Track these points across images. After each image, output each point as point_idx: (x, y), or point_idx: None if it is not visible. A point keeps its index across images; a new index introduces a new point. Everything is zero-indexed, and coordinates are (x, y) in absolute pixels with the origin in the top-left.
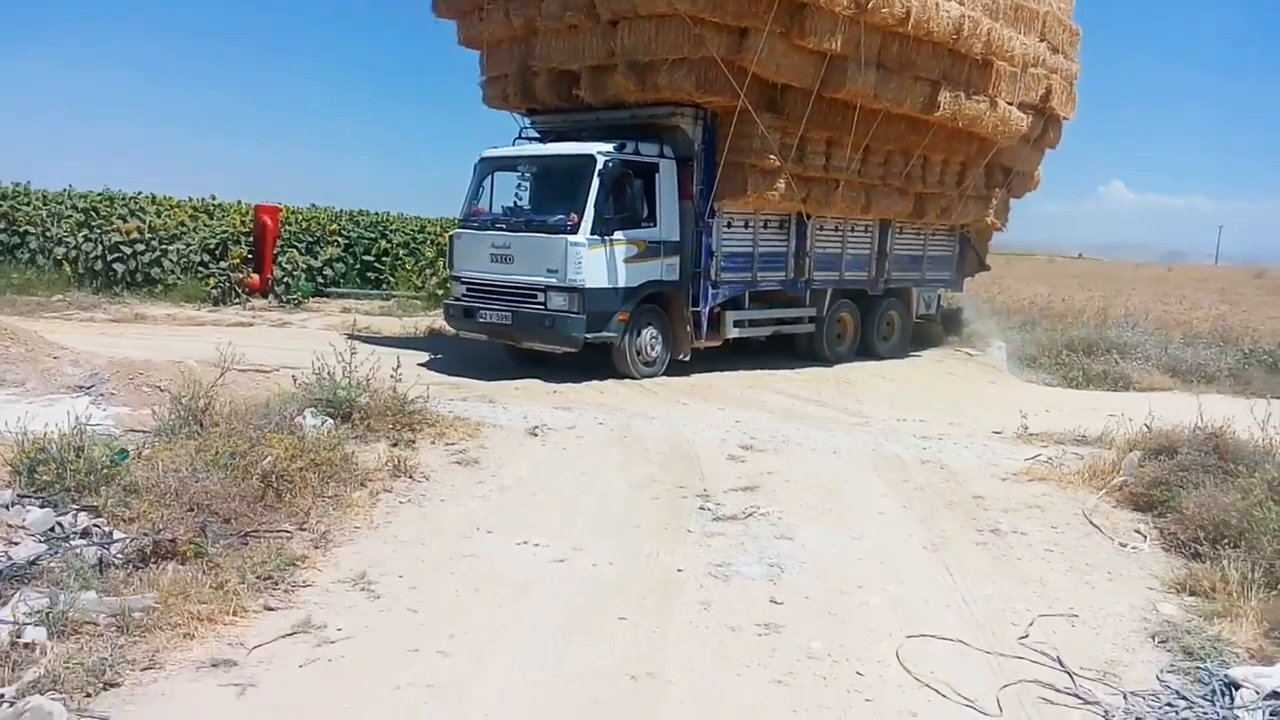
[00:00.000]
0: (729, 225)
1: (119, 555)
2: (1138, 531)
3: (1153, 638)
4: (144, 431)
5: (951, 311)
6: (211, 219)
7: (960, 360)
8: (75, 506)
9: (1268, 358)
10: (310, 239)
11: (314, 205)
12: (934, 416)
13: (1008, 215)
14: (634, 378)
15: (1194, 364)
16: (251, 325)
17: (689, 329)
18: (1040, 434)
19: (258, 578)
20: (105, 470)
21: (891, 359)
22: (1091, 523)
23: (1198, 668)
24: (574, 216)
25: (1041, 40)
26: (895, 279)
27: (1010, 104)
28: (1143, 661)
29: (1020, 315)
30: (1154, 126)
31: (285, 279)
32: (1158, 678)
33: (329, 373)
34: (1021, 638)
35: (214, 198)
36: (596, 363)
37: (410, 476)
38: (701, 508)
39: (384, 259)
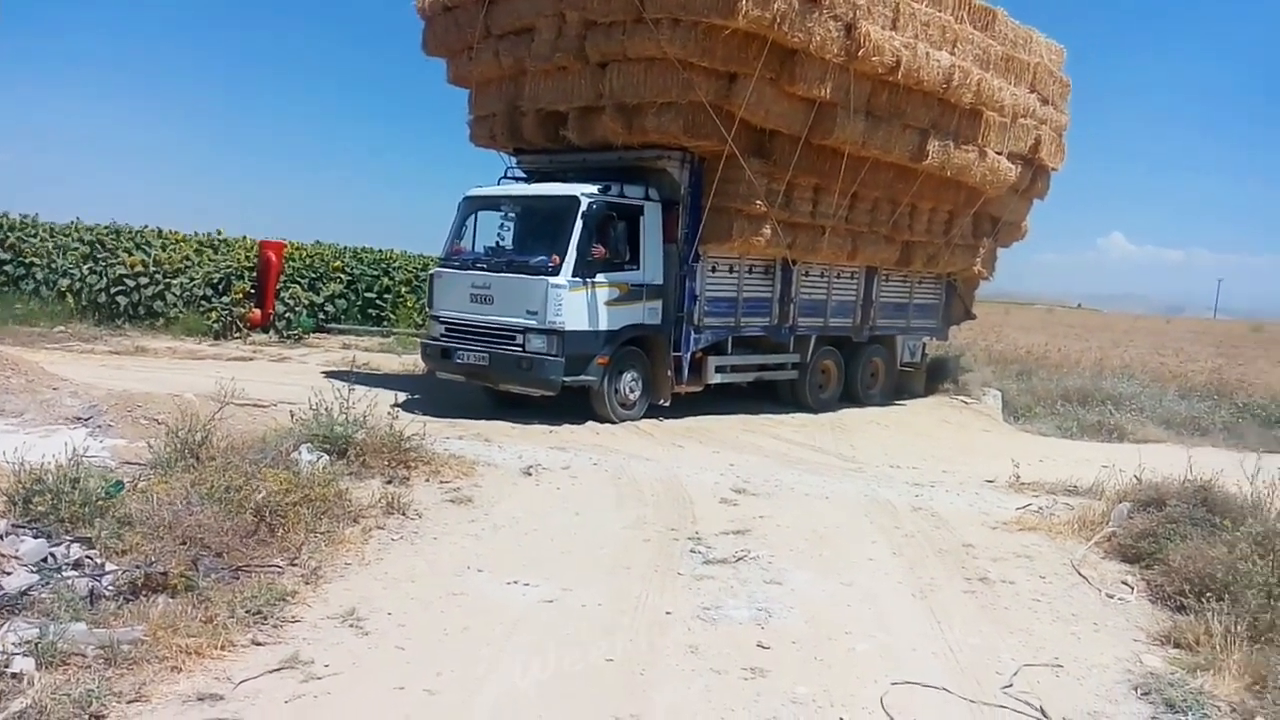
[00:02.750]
0: (713, 270)
1: (110, 587)
2: (1125, 583)
3: (1136, 689)
4: (140, 464)
5: (947, 359)
6: (216, 254)
7: (956, 408)
8: (69, 537)
9: (1262, 412)
10: (313, 275)
11: (318, 242)
12: (927, 464)
13: (995, 265)
14: (613, 421)
15: (1188, 416)
16: (252, 360)
17: (670, 373)
18: (1032, 483)
19: (247, 612)
20: (100, 502)
21: (873, 407)
22: (1079, 573)
23: None
24: (555, 258)
25: (1032, 91)
26: (880, 326)
27: (999, 154)
28: (1125, 713)
29: (1017, 364)
30: (1154, 179)
31: (287, 314)
32: None
33: (326, 408)
34: (1006, 687)
35: (220, 232)
36: (581, 405)
37: (403, 514)
38: (693, 550)
39: (386, 296)
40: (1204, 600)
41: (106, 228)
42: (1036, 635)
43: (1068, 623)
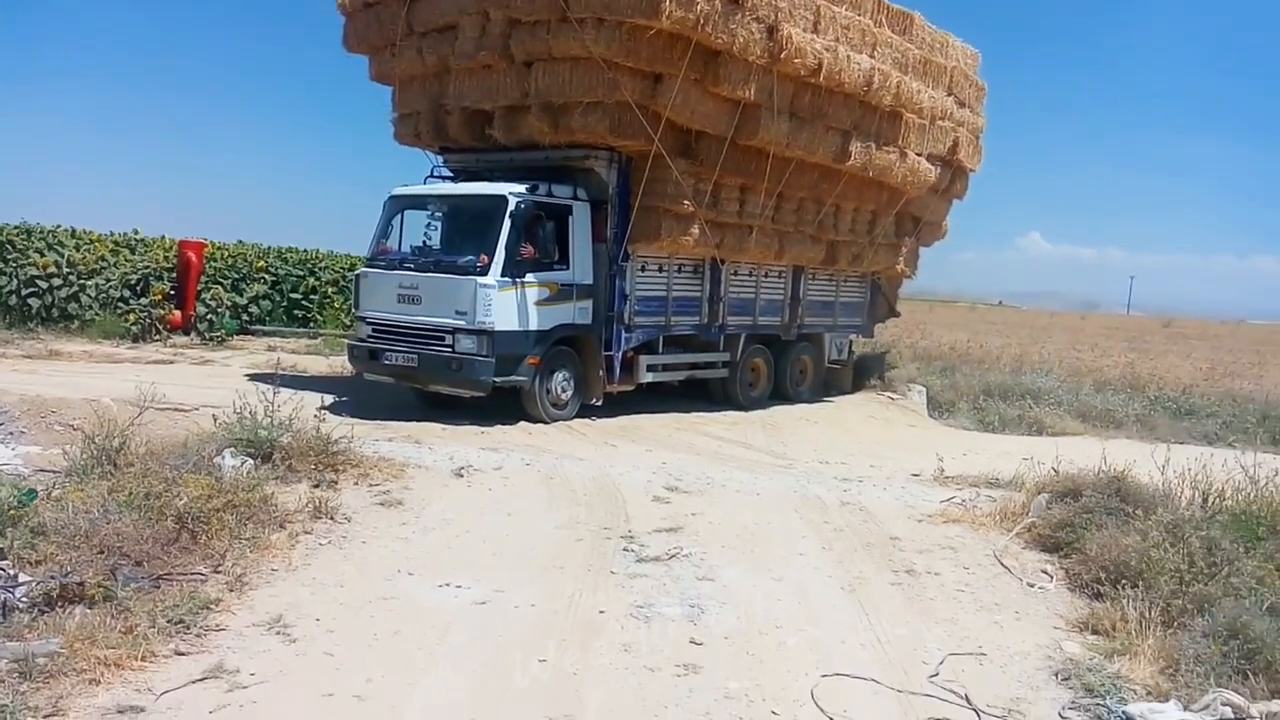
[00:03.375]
0: (643, 269)
1: (24, 599)
2: (1044, 572)
3: (1056, 675)
4: (54, 471)
5: (873, 357)
6: (134, 254)
7: (882, 404)
8: None
9: (1172, 404)
10: (236, 276)
11: (241, 241)
12: (856, 459)
13: (917, 263)
14: (545, 421)
15: (1103, 409)
16: (172, 363)
17: (602, 373)
18: (956, 476)
19: (169, 621)
20: (12, 511)
21: (802, 404)
22: (1001, 563)
23: (1098, 704)
24: (484, 258)
25: (949, 94)
26: (808, 324)
27: (919, 155)
28: (1046, 699)
29: (941, 360)
30: (1069, 180)
31: (209, 316)
32: (1060, 715)
33: (250, 412)
34: (932, 676)
35: (137, 232)
36: (513, 405)
37: (331, 518)
38: (625, 549)
39: (312, 297)
40: (1120, 587)
41: (16, 227)
42: (961, 625)
43: (991, 612)
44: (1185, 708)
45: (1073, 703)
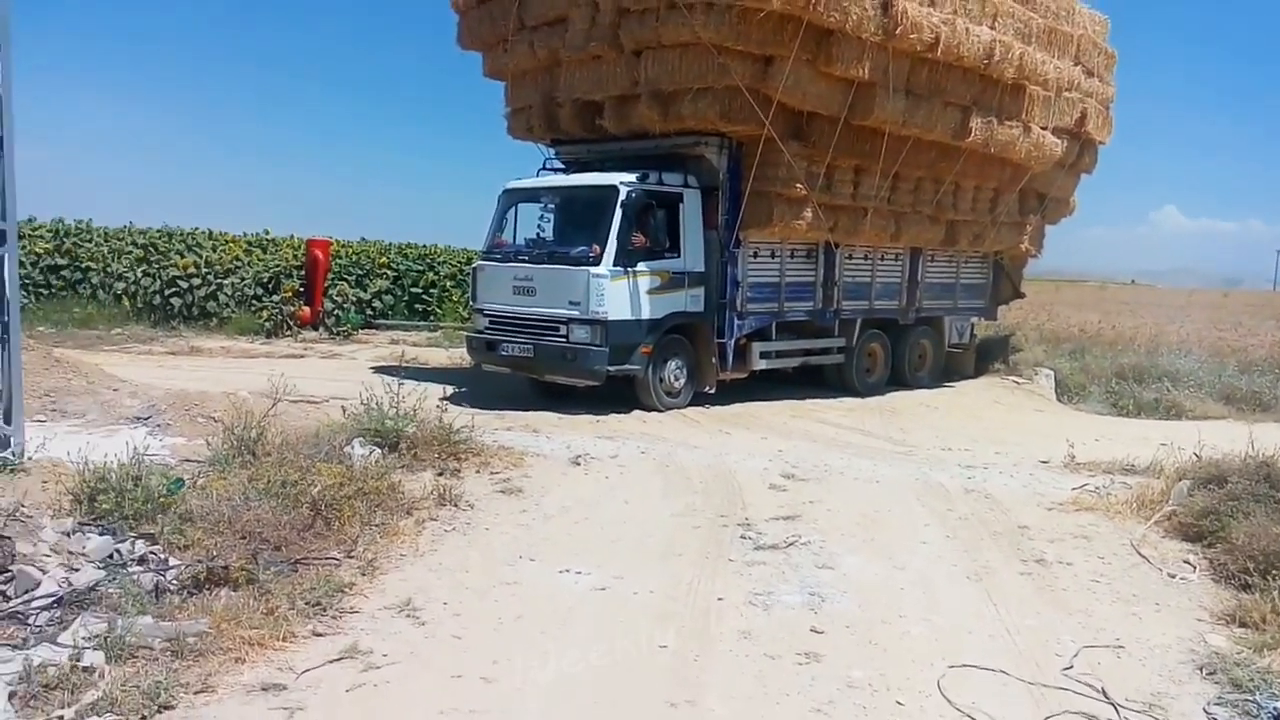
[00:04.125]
0: (755, 255)
1: (174, 581)
2: (1186, 562)
3: (1200, 670)
4: (198, 461)
5: (998, 339)
6: (265, 253)
7: (1007, 389)
8: (133, 534)
9: None
10: (360, 272)
11: (364, 239)
12: (979, 445)
13: (1043, 242)
14: (659, 410)
15: (1248, 392)
16: (303, 357)
17: (714, 360)
18: (1088, 463)
19: (307, 604)
20: (162, 499)
21: (922, 389)
22: (1139, 553)
23: (1246, 700)
24: (596, 248)
25: (1076, 64)
26: (927, 308)
27: (1044, 129)
28: (1190, 694)
29: (1070, 343)
30: (1207, 151)
31: (335, 311)
32: (1205, 710)
33: (377, 403)
34: (1066, 669)
35: (268, 232)
36: (627, 394)
37: (455, 505)
38: (743, 536)
39: (432, 291)
40: (1269, 578)
41: (159, 231)
42: (1096, 616)
43: (1128, 603)
44: None
45: (1219, 698)
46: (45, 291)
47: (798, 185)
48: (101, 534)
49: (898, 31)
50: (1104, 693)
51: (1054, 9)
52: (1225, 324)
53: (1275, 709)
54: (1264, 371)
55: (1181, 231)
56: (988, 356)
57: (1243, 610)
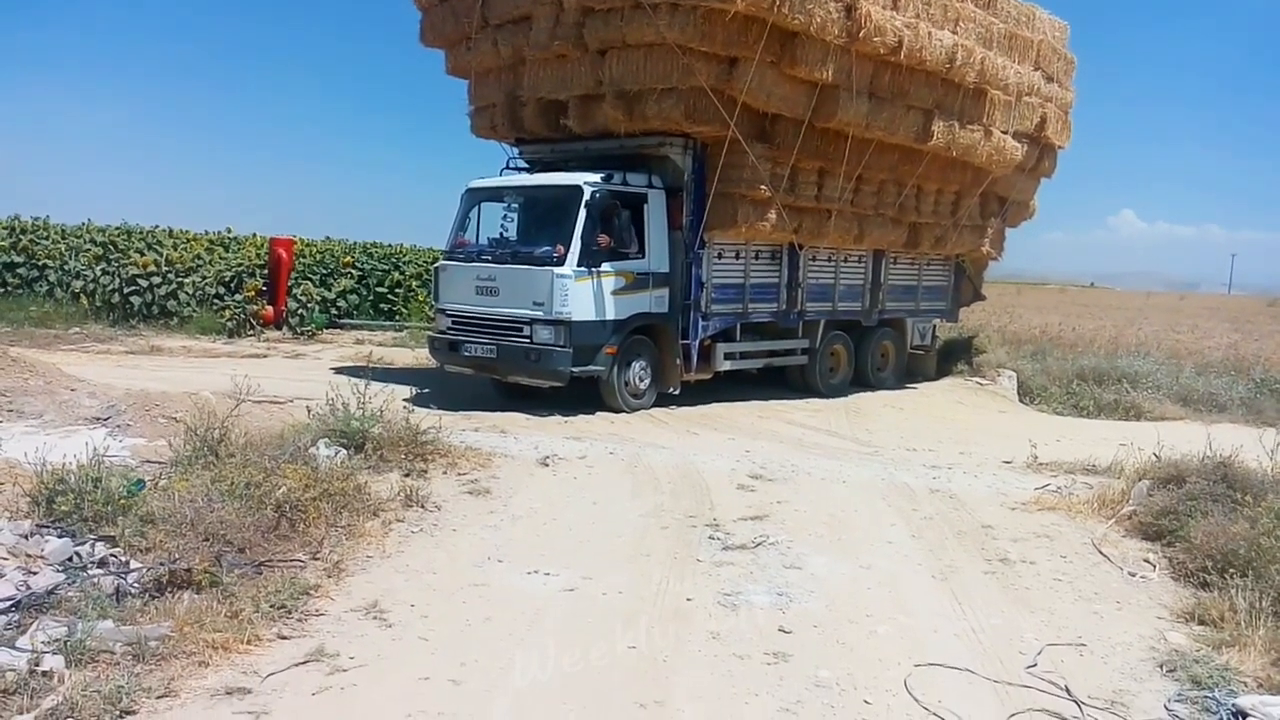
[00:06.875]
0: (719, 256)
1: (135, 584)
2: (1147, 561)
3: (1161, 667)
4: (160, 462)
5: (959, 342)
6: (227, 252)
7: (970, 390)
8: (93, 536)
9: (1279, 386)
10: (324, 271)
11: (328, 238)
12: (944, 446)
13: (1004, 245)
14: (624, 411)
15: (1205, 393)
16: (266, 357)
17: (679, 361)
18: (1050, 463)
19: (271, 606)
20: (122, 501)
21: (887, 390)
22: (1100, 552)
23: (1205, 697)
24: (560, 248)
25: (1036, 69)
26: (890, 310)
27: (1005, 133)
28: (1151, 691)
29: (1031, 345)
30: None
31: (299, 311)
32: (1165, 707)
33: (342, 403)
34: (1030, 667)
35: (230, 230)
36: (594, 395)
37: (422, 506)
38: (711, 537)
39: (397, 290)
40: (1227, 576)
41: (118, 228)
42: (1059, 615)
43: (1090, 601)
44: None
45: (1179, 695)
46: (1, 290)
47: (762, 186)
48: (60, 536)
49: (861, 35)
50: (1067, 690)
51: (1015, 14)
52: (1182, 327)
53: (1234, 705)
54: (1220, 373)
55: (1139, 235)
56: (950, 358)
57: (1201, 608)
